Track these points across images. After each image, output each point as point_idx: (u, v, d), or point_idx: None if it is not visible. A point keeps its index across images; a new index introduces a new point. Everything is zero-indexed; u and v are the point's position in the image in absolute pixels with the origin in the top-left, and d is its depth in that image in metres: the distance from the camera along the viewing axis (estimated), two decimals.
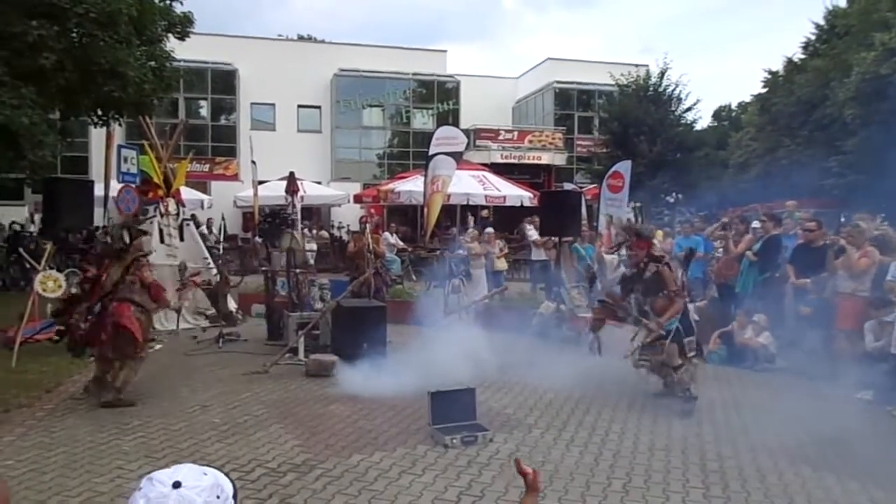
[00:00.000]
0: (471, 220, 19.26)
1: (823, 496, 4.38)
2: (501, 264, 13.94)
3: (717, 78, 73.52)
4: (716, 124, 39.07)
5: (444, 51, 32.16)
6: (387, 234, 16.78)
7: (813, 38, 25.35)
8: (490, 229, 14.84)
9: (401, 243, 17.25)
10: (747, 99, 32.24)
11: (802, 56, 25.27)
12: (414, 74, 29.88)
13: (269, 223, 20.26)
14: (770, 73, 26.39)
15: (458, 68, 31.93)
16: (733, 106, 41.10)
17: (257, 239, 17.42)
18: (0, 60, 11.20)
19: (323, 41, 35.69)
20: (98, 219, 16.76)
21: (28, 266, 10.11)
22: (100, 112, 14.68)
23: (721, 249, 10.33)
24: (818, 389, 7.23)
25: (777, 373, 8.04)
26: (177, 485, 1.21)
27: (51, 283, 8.57)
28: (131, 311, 6.18)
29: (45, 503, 4.11)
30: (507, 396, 6.63)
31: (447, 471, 4.74)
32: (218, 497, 1.25)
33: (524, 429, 5.71)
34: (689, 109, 26.31)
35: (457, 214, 19.16)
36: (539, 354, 8.59)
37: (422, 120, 30.26)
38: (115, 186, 13.08)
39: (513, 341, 8.98)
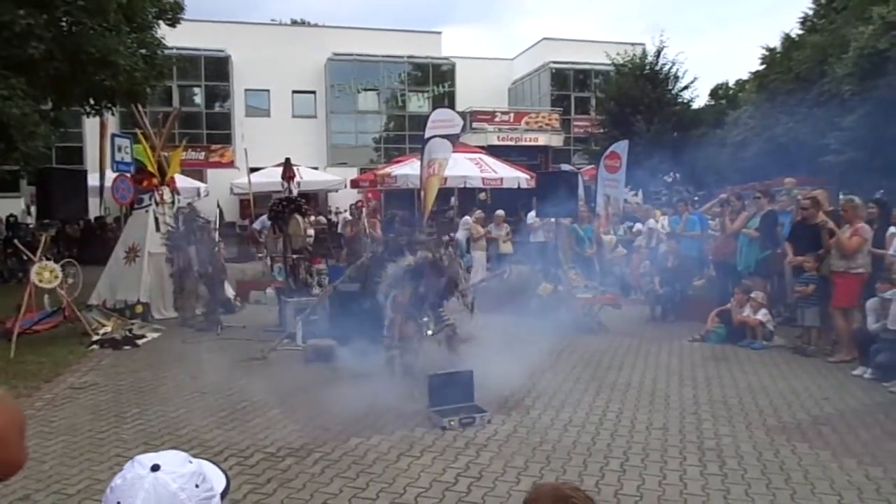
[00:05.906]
0: (454, 201, 18.90)
1: (820, 473, 4.38)
2: (507, 248, 13.82)
3: (716, 56, 72.87)
4: (713, 103, 38.81)
5: (439, 33, 31.93)
6: (467, 217, 14.48)
7: (811, 13, 25.13)
8: (500, 211, 14.69)
9: (481, 230, 13.70)
10: (745, 77, 32.03)
11: (800, 32, 25.06)
12: (409, 57, 29.68)
13: (277, 210, 20.23)
14: (768, 49, 26.17)
15: (453, 50, 31.70)
16: (731, 84, 40.87)
17: (255, 225, 17.38)
18: None
19: (316, 25, 35.40)
20: (93, 209, 16.77)
21: (25, 258, 10.08)
22: (92, 101, 14.60)
23: (717, 228, 10.30)
24: (816, 367, 7.26)
25: (775, 350, 8.05)
26: (155, 468, 1.20)
27: (47, 274, 8.56)
28: None
29: (45, 492, 4.12)
30: (505, 378, 6.63)
31: (445, 452, 4.75)
32: (196, 486, 1.21)
33: (522, 410, 5.73)
34: (685, 88, 26.13)
35: (454, 197, 19.06)
36: (537, 336, 8.60)
37: (417, 103, 30.13)
38: (111, 176, 13.04)
39: (511, 323, 8.98)
